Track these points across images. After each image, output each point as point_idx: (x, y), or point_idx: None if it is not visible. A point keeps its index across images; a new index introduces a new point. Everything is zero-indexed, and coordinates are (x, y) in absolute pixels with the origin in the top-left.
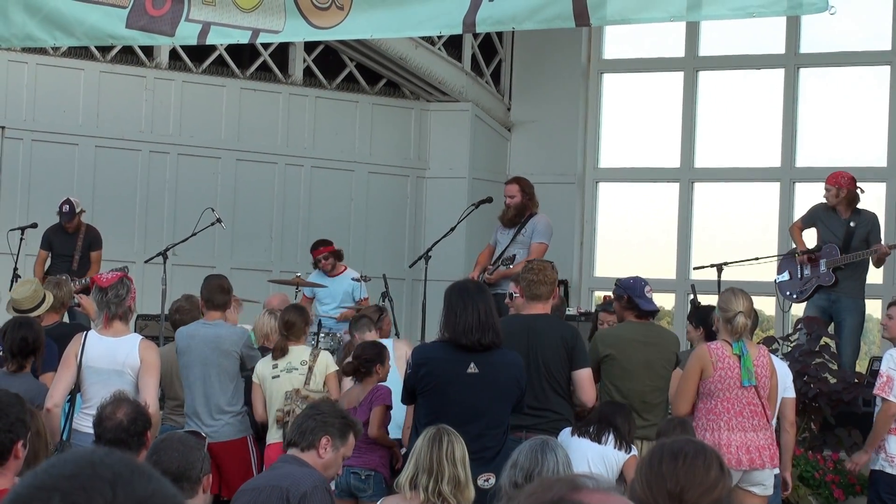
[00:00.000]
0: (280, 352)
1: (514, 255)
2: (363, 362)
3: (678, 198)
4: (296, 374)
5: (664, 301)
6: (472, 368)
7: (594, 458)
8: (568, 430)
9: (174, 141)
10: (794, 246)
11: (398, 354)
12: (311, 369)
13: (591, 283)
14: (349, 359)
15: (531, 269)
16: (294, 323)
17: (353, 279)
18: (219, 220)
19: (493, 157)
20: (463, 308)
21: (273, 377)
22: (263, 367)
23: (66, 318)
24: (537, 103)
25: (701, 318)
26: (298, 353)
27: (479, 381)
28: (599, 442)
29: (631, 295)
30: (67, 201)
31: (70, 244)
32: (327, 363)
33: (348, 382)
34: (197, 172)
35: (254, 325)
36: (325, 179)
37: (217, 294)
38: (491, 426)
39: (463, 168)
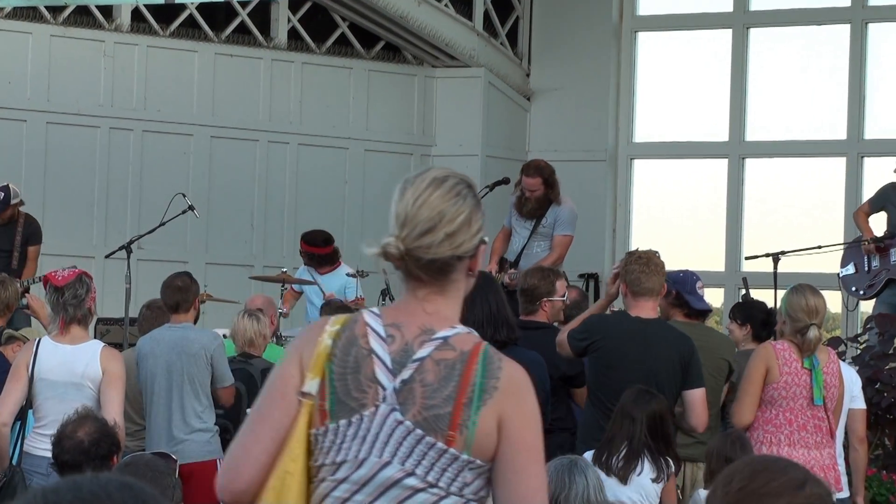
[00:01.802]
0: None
1: (519, 259)
2: None
3: (727, 177)
4: None
5: (712, 297)
6: None
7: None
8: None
9: (138, 116)
10: (860, 234)
11: None
12: None
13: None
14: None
15: (637, 258)
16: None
17: (347, 275)
18: (191, 208)
19: (510, 132)
20: (471, 300)
21: None
22: None
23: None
24: (561, 68)
25: (746, 313)
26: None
27: None
28: (625, 482)
29: (681, 290)
30: (5, 188)
31: (6, 238)
32: None
33: None
34: (165, 152)
35: (231, 330)
36: (314, 159)
37: (171, 294)
38: None
39: (475, 144)
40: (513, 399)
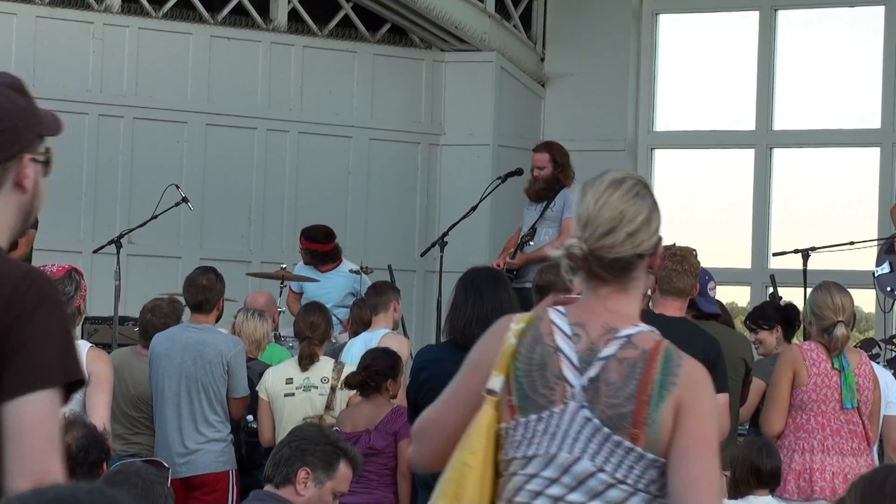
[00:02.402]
0: (309, 360)
1: (535, 230)
2: (372, 374)
3: (753, 168)
4: (315, 395)
5: (737, 296)
6: None
7: None
8: None
9: (129, 102)
10: (895, 230)
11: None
12: (334, 389)
13: None
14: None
15: (671, 255)
16: (319, 325)
17: (350, 271)
18: (185, 200)
19: (524, 119)
20: (464, 299)
21: (286, 395)
22: (274, 380)
23: None
24: (577, 52)
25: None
26: (319, 366)
27: None
28: None
29: None
30: None
31: None
32: None
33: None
34: (158, 140)
35: (235, 330)
36: (315, 148)
37: (195, 292)
38: None
39: (486, 133)
40: (690, 393)
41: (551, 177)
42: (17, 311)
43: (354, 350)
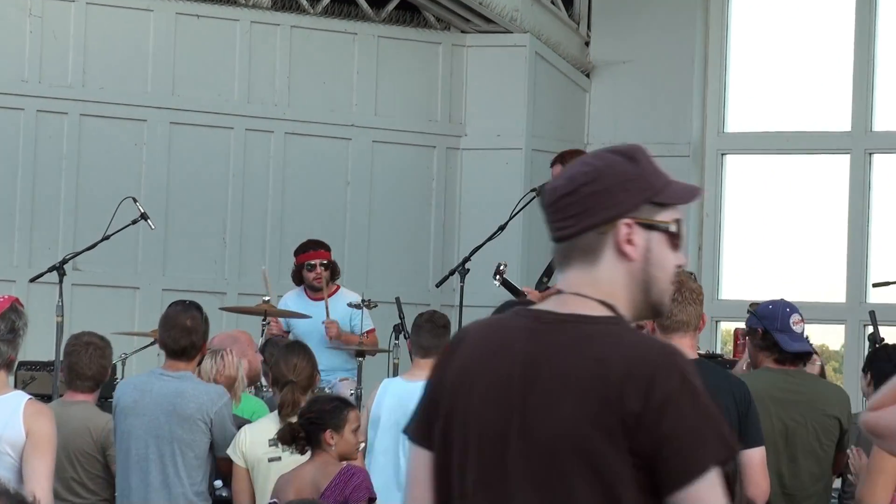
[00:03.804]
0: (292, 408)
1: (552, 270)
2: (306, 424)
3: (849, 177)
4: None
5: (829, 336)
6: None
7: None
8: None
9: (75, 95)
10: None
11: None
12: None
13: (717, 310)
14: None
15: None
16: (303, 367)
17: (349, 305)
18: (144, 217)
19: (564, 118)
20: None
21: (271, 459)
22: (253, 441)
23: None
24: (630, 35)
25: (868, 359)
26: None
27: None
28: None
29: (768, 328)
30: None
31: None
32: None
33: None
34: (110, 143)
35: (207, 375)
36: (306, 153)
37: (177, 335)
38: None
39: (517, 134)
40: None
41: None
42: (661, 395)
43: (388, 399)
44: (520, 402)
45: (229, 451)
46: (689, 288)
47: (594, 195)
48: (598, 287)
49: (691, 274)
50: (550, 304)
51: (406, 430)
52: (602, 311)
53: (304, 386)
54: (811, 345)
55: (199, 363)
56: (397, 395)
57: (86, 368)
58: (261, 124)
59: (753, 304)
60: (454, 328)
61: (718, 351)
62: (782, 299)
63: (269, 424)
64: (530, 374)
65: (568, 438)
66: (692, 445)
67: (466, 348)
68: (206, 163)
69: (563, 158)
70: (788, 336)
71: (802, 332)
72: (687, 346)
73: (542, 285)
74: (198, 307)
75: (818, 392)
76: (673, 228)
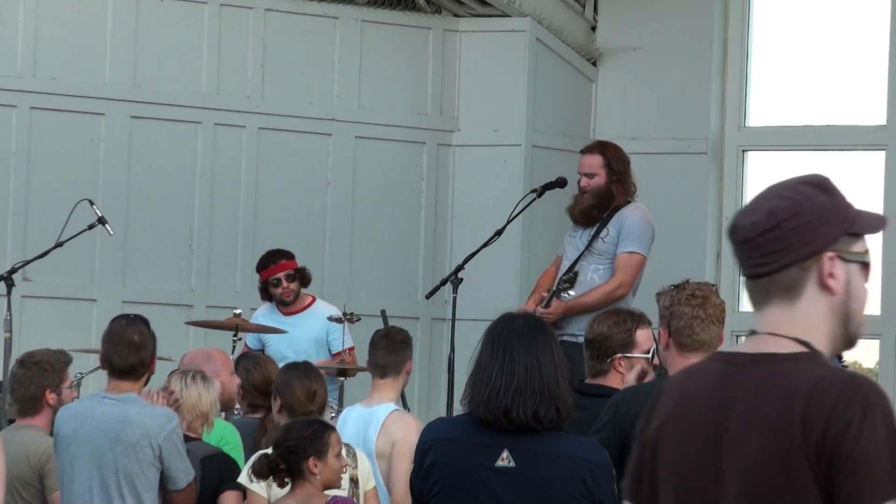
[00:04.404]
0: None
1: (576, 274)
2: (285, 454)
3: (884, 176)
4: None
5: (861, 352)
6: (505, 460)
7: None
8: None
9: (24, 86)
10: None
11: (397, 437)
12: (354, 481)
13: (736, 323)
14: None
15: (689, 296)
16: (319, 392)
17: (329, 318)
18: (102, 221)
19: (568, 111)
20: (491, 357)
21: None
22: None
23: None
24: (641, 20)
25: None
26: None
27: (513, 483)
28: None
29: None
30: None
31: None
32: (369, 471)
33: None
34: (64, 139)
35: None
36: (282, 150)
37: (124, 352)
38: None
39: (516, 129)
40: None
41: (604, 189)
42: (840, 422)
43: (349, 430)
44: (715, 448)
45: (243, 479)
46: (714, 304)
47: (797, 230)
48: (794, 324)
49: (713, 286)
50: (744, 346)
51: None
52: (796, 349)
53: (321, 413)
54: (840, 361)
55: (146, 383)
56: (356, 423)
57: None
58: (231, 118)
59: None
60: (446, 344)
61: None
62: None
63: None
64: (722, 417)
65: (758, 477)
66: (867, 473)
67: (665, 400)
68: (170, 161)
69: (604, 149)
70: None
71: None
72: None
73: (562, 288)
74: (144, 321)
75: None
76: (869, 259)
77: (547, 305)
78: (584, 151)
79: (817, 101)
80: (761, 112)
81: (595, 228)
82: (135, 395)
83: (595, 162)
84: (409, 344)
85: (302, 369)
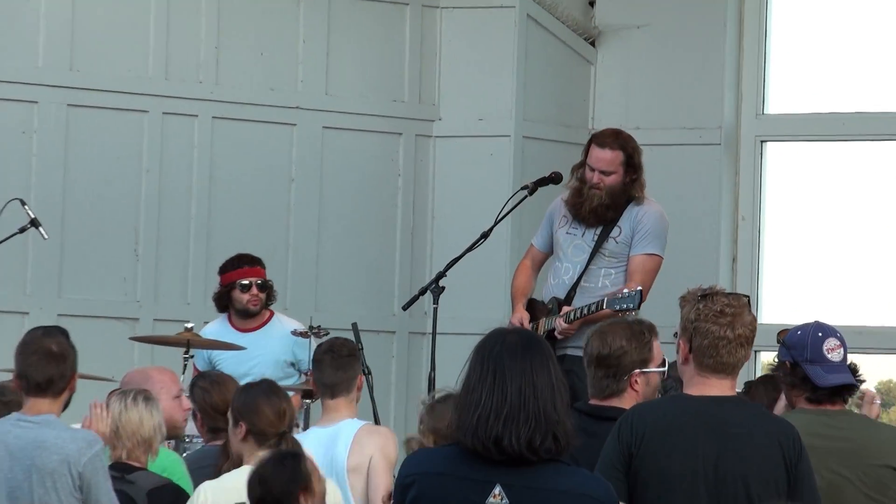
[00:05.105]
0: None
1: (603, 301)
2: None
3: None
4: None
5: (890, 368)
6: (498, 497)
7: None
8: None
9: None
10: None
11: (373, 451)
12: None
13: (756, 337)
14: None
15: (717, 313)
16: (285, 411)
17: (293, 333)
18: (35, 224)
19: (563, 96)
20: (480, 379)
21: None
22: (217, 501)
23: None
24: None
25: None
26: None
27: None
28: None
29: (797, 359)
30: None
31: None
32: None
33: None
34: None
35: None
36: (239, 142)
37: (41, 365)
38: None
39: (504, 118)
40: None
41: (619, 188)
42: None
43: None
44: None
45: None
46: (744, 324)
47: None
48: None
49: (746, 298)
50: None
51: None
52: None
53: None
54: (855, 374)
55: (66, 404)
56: (317, 445)
57: None
58: (182, 106)
59: (783, 331)
60: (425, 361)
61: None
62: (816, 322)
63: (234, 480)
64: None
65: None
66: None
67: None
68: (113, 155)
69: (625, 143)
70: (822, 367)
71: (843, 361)
72: (728, 387)
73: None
74: (64, 332)
75: (868, 437)
76: None
77: (572, 320)
78: (599, 143)
79: (846, 85)
80: (782, 98)
81: (605, 226)
82: (52, 417)
83: (615, 159)
84: (356, 356)
85: (265, 387)
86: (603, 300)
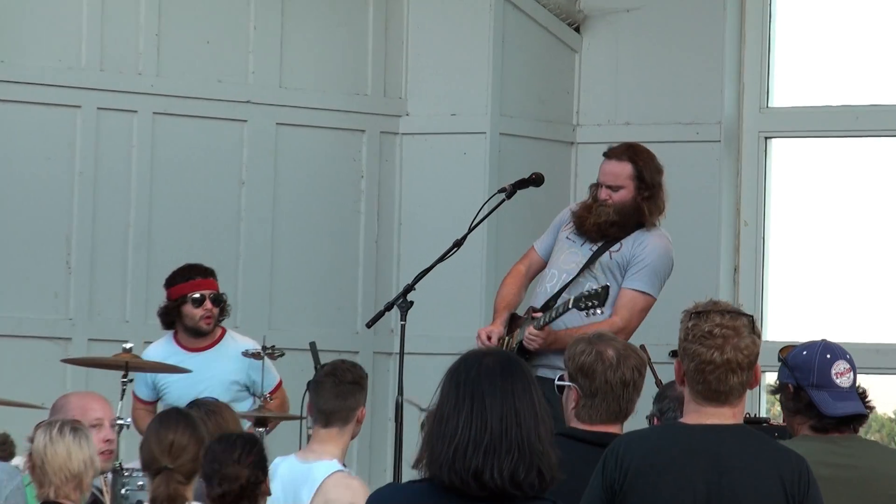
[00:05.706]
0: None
1: (569, 301)
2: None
3: None
4: None
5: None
6: None
7: None
8: None
9: None
10: None
11: None
12: None
13: (762, 355)
14: None
15: (706, 333)
16: (184, 446)
17: (245, 354)
18: None
19: (545, 88)
20: (455, 406)
21: None
22: None
23: None
24: None
25: None
26: None
27: None
28: None
29: (801, 383)
30: None
31: None
32: None
33: None
34: None
35: (29, 460)
36: (183, 140)
37: None
38: None
39: (479, 113)
40: None
41: (630, 205)
42: None
43: (277, 485)
44: None
45: None
46: (739, 347)
47: None
48: None
49: (749, 317)
50: None
51: None
52: None
53: (188, 472)
54: (864, 400)
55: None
56: (287, 478)
57: None
58: (119, 101)
59: (785, 348)
60: (392, 384)
61: (763, 413)
62: (823, 341)
63: None
64: None
65: None
66: None
67: None
68: (42, 155)
69: (635, 156)
70: (829, 393)
71: (852, 386)
72: (729, 415)
73: (589, 305)
74: None
75: (879, 465)
76: None
77: (542, 326)
78: (608, 155)
79: (859, 75)
80: (789, 89)
81: (605, 241)
82: None
83: (623, 172)
84: (361, 385)
85: (166, 417)
86: (569, 300)
